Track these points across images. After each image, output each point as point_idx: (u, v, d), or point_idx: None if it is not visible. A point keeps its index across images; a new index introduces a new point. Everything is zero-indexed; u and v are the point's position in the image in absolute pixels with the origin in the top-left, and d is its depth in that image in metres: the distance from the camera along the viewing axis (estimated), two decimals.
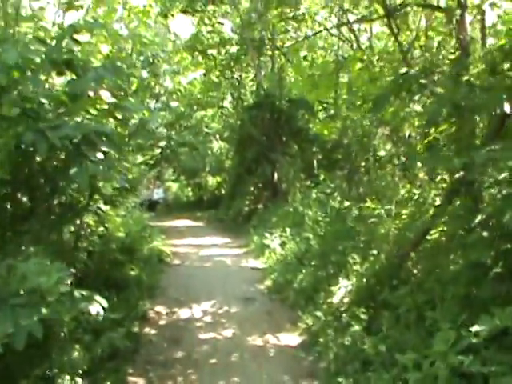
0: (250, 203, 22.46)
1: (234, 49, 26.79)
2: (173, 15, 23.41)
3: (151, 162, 28.19)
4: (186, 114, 28.72)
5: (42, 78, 7.52)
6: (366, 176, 15.72)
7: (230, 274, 11.78)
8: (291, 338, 7.74)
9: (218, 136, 32.53)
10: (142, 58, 18.17)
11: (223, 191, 29.23)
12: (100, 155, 6.01)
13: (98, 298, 5.66)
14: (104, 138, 6.02)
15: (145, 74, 21.42)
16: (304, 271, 9.98)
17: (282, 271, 10.99)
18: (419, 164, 10.15)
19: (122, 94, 10.75)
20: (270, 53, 24.94)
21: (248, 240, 16.38)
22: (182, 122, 29.12)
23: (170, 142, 27.89)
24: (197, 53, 27.85)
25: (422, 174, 10.06)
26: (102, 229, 10.85)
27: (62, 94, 6.73)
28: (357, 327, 6.93)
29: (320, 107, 21.33)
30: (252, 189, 22.23)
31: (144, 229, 13.48)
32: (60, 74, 7.63)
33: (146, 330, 8.08)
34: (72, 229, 9.58)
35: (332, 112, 20.15)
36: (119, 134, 19.31)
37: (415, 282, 7.17)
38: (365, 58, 10.16)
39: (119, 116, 10.97)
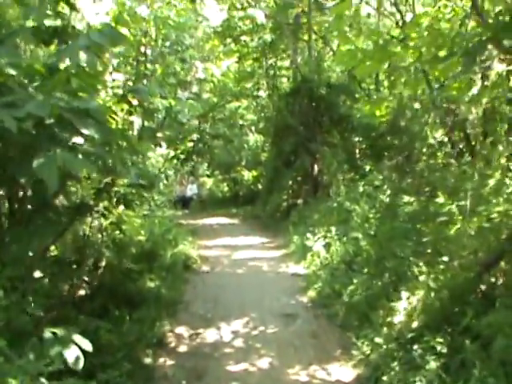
0: (289, 198, 20.73)
1: (268, 36, 25.20)
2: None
3: (183, 156, 26.73)
4: (218, 105, 27.08)
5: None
6: (419, 165, 13.93)
7: (267, 283, 10.14)
8: (344, 372, 6.07)
9: (253, 128, 30.94)
10: (168, 44, 16.61)
11: (260, 186, 27.61)
12: (80, 140, 4.43)
13: (78, 338, 4.09)
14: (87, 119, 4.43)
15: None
16: (355, 280, 8.28)
17: (327, 279, 9.32)
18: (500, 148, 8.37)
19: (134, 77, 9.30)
20: (306, 37, 23.25)
21: (287, 239, 14.73)
22: (215, 113, 27.51)
23: (203, 135, 26.37)
24: (229, 40, 26.34)
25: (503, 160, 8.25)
26: (118, 232, 9.46)
27: (39, 64, 5.16)
28: (433, 364, 5.23)
29: (362, 91, 19.51)
30: (290, 183, 20.47)
31: (169, 230, 11.92)
32: (46, 44, 6.16)
33: (162, 360, 6.49)
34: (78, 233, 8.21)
35: (379, 92, 18.36)
36: (146, 127, 17.89)
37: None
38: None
39: (134, 102, 9.49)
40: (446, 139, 13.51)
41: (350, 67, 8.51)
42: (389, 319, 6.73)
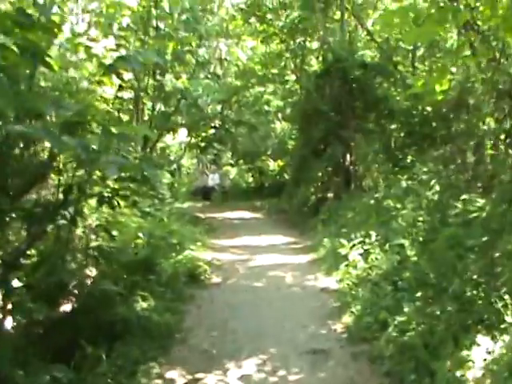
0: (318, 191, 18.73)
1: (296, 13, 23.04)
2: None
3: (203, 144, 24.80)
4: (242, 89, 25.04)
5: None
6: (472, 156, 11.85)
7: (291, 302, 8.14)
8: None
9: (280, 115, 28.88)
10: (183, 17, 14.68)
11: (286, 177, 25.64)
12: None
13: None
14: None
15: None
16: (406, 308, 6.30)
17: (367, 300, 7.34)
18: None
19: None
20: (338, 16, 21.13)
21: (315, 241, 12.79)
22: (239, 98, 25.47)
23: (225, 121, 24.42)
24: (254, 19, 24.30)
25: None
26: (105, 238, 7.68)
27: None
28: None
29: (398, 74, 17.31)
30: (320, 174, 18.42)
31: (173, 232, 10.01)
32: None
33: None
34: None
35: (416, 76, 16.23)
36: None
37: None
38: None
39: (126, 75, 7.69)
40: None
41: (397, 31, 6.69)
42: (459, 373, 4.77)
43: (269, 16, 24.19)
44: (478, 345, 4.88)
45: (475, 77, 8.27)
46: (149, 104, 16.75)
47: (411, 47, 21.19)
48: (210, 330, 6.86)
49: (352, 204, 13.63)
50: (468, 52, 8.70)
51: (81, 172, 6.55)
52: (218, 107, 24.64)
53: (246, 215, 20.60)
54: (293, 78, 26.79)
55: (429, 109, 13.89)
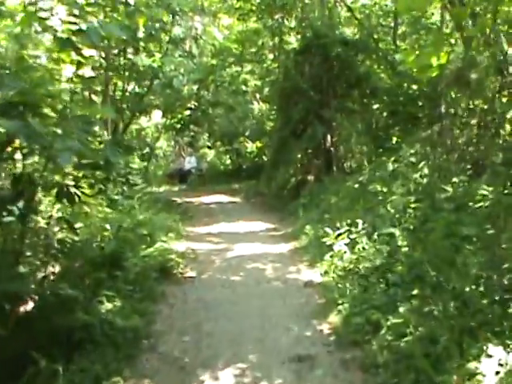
0: (297, 174, 17.97)
1: None
2: None
3: (178, 125, 23.93)
4: (218, 68, 24.13)
5: None
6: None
7: (272, 299, 7.40)
8: None
9: (258, 95, 28.03)
10: None
11: (265, 159, 24.88)
12: None
13: None
14: None
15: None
16: (401, 308, 5.65)
17: (356, 297, 6.69)
18: None
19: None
20: None
21: (297, 227, 12.11)
22: (216, 78, 24.57)
23: (201, 102, 23.58)
24: None
25: None
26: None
27: None
28: None
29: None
30: (299, 156, 17.67)
31: (142, 222, 9.23)
32: None
33: None
34: None
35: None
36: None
37: None
38: None
39: (86, 49, 6.91)
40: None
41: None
42: None
43: None
44: (489, 355, 4.26)
45: (476, 50, 7.58)
46: (120, 84, 15.84)
47: (392, 24, 20.61)
48: (182, 333, 6.15)
49: (334, 187, 12.98)
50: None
51: (34, 160, 5.85)
52: (194, 88, 23.84)
53: (223, 199, 19.82)
54: (271, 57, 26.04)
55: (414, 87, 13.26)
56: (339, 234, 8.35)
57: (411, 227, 7.93)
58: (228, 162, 30.47)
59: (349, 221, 8.79)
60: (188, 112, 23.73)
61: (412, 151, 11.02)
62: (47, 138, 4.99)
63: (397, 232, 7.76)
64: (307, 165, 17.43)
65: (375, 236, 8.07)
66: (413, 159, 10.21)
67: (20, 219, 5.09)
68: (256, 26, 24.88)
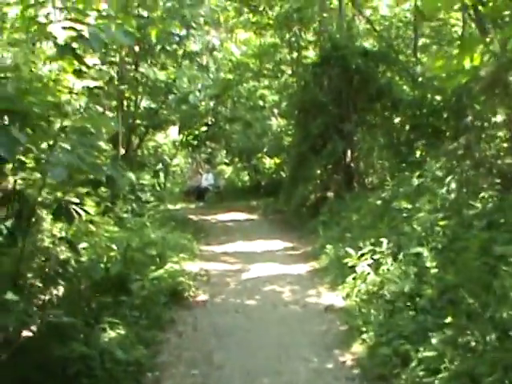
0: (317, 190, 17.36)
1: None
2: None
3: (195, 142, 23.51)
4: (235, 84, 23.69)
5: None
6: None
7: (289, 325, 6.84)
8: None
9: (275, 111, 27.55)
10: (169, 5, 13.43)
11: (283, 175, 24.32)
12: None
13: None
14: None
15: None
16: (434, 339, 5.05)
17: (382, 324, 6.10)
18: None
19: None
20: (335, 4, 19.86)
21: (316, 246, 11.56)
22: (233, 93, 24.13)
23: (218, 118, 23.16)
24: (246, 9, 23.04)
25: None
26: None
27: None
28: None
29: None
30: (319, 172, 17.09)
31: (152, 242, 8.70)
32: None
33: None
34: None
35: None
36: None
37: None
38: None
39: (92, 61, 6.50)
40: None
41: None
42: None
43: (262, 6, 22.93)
44: None
45: None
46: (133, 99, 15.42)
47: (412, 36, 20.06)
48: (190, 365, 5.59)
49: (355, 204, 12.41)
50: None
51: (29, 176, 5.38)
52: (211, 103, 23.45)
53: (240, 217, 19.28)
54: (289, 72, 25.60)
55: (438, 98, 12.69)
56: (362, 255, 7.77)
57: (440, 246, 7.34)
58: (246, 178, 30.02)
59: (372, 240, 8.21)
60: (205, 128, 23.30)
61: (437, 165, 10.44)
62: (37, 152, 4.56)
63: (425, 252, 7.16)
64: (327, 181, 16.86)
65: (401, 256, 7.48)
66: (439, 173, 9.61)
67: (10, 239, 4.60)
68: (273, 41, 24.49)
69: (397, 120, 14.82)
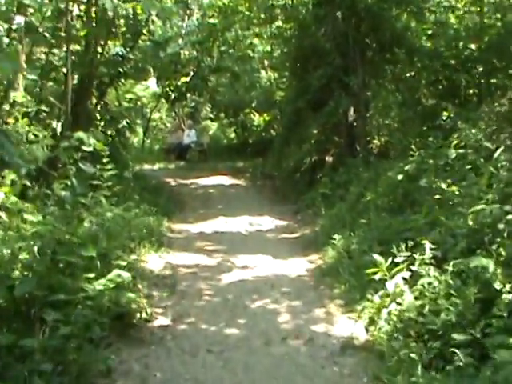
0: (312, 153, 14.89)
1: None
2: None
3: (174, 94, 20.94)
4: (220, 29, 21.02)
5: None
6: None
7: (288, 381, 4.44)
8: None
9: (266, 62, 25.06)
10: None
11: (274, 133, 22.00)
12: None
13: None
14: None
15: None
16: None
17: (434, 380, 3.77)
18: None
19: None
20: None
21: (317, 228, 9.27)
22: (217, 39, 21.46)
23: (201, 68, 20.56)
24: None
25: None
26: None
27: None
28: None
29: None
30: (315, 132, 14.63)
31: (90, 237, 6.11)
32: None
33: None
34: None
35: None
36: None
37: None
38: None
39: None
40: None
41: None
42: None
43: None
44: None
45: None
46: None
47: None
48: None
49: (363, 175, 10.08)
50: None
51: None
52: (194, 52, 20.87)
53: (224, 181, 16.76)
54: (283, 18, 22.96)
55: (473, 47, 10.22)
56: (394, 263, 5.36)
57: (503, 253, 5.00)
58: (232, 135, 27.73)
59: (412, 243, 5.69)
60: (186, 79, 20.74)
61: (474, 131, 8.07)
62: None
63: (490, 265, 4.79)
64: (325, 142, 14.45)
65: (450, 267, 5.08)
66: (488, 144, 7.20)
67: None
68: None
69: (413, 73, 12.34)
